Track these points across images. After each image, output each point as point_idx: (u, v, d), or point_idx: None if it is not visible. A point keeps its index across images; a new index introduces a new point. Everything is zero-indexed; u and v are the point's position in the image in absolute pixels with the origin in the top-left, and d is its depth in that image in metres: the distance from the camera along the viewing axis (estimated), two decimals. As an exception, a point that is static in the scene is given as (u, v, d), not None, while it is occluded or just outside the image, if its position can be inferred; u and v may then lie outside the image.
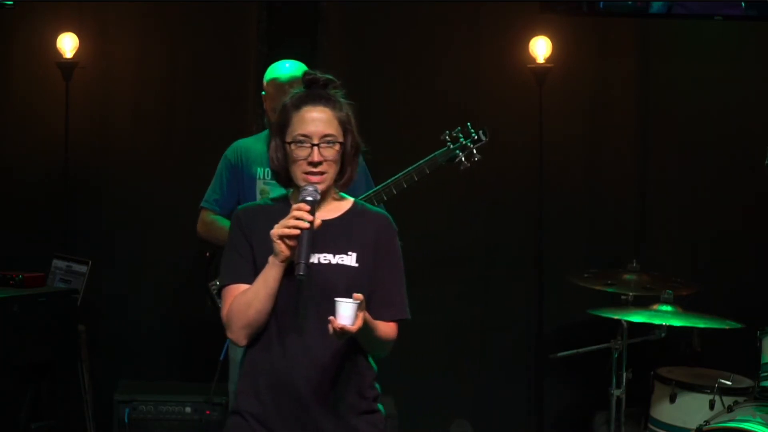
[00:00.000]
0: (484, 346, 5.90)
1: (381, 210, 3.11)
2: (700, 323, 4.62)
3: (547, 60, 5.75)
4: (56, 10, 5.81)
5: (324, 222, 2.89)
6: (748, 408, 4.34)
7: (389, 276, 2.98)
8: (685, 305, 4.72)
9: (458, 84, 5.85)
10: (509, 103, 5.84)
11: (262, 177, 4.51)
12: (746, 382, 4.62)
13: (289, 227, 2.81)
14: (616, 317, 4.62)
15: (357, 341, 2.89)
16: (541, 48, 5.75)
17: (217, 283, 4.50)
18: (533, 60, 5.77)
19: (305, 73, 3.02)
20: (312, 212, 2.82)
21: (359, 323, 2.76)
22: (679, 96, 5.88)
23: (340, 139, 2.94)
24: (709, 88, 5.82)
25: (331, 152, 2.92)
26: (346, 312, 2.75)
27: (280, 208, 2.95)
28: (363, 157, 4.47)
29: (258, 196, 4.51)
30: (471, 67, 5.88)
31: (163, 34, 5.92)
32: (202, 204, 4.63)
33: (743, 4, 5.53)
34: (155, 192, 5.84)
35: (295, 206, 2.84)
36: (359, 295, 2.76)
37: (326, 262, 2.92)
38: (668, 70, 5.88)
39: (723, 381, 4.58)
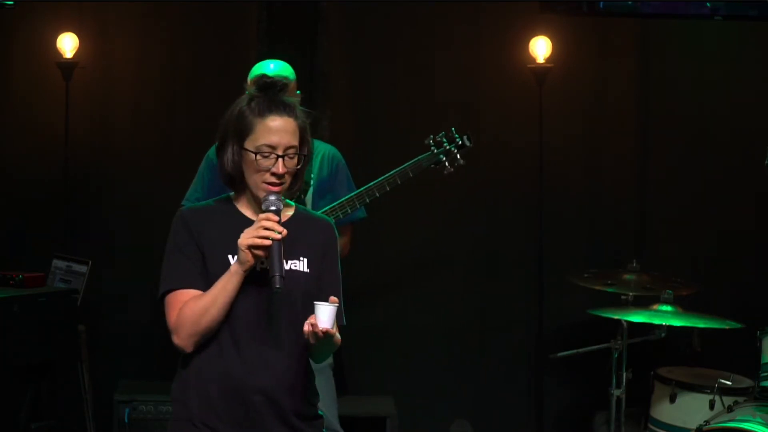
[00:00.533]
0: (484, 346, 5.90)
1: (324, 216, 3.11)
2: (700, 323, 4.62)
3: (547, 60, 5.75)
4: (56, 10, 5.81)
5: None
6: (748, 408, 4.34)
7: (335, 281, 2.95)
8: (685, 305, 4.72)
9: (458, 84, 5.85)
10: (509, 103, 5.84)
11: None
12: (746, 382, 4.61)
13: (260, 237, 2.78)
14: (616, 317, 4.62)
15: (308, 348, 2.88)
16: (541, 48, 5.75)
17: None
18: (533, 60, 5.77)
19: (262, 76, 2.98)
20: (279, 222, 2.81)
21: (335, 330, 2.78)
22: (679, 96, 5.89)
23: (301, 151, 2.91)
24: (709, 88, 5.82)
25: (292, 164, 2.89)
26: (326, 315, 2.75)
27: (225, 209, 2.95)
28: (344, 160, 4.51)
29: None
30: (471, 67, 5.88)
31: (163, 34, 5.92)
32: (183, 202, 4.63)
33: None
34: (155, 192, 5.83)
35: (263, 216, 2.81)
36: (335, 299, 2.77)
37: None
38: (668, 70, 5.88)
39: (723, 381, 4.58)
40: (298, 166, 2.90)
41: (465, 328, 5.91)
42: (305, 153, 2.91)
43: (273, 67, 4.45)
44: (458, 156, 4.42)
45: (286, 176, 2.88)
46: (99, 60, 5.86)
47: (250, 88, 4.24)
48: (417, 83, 5.89)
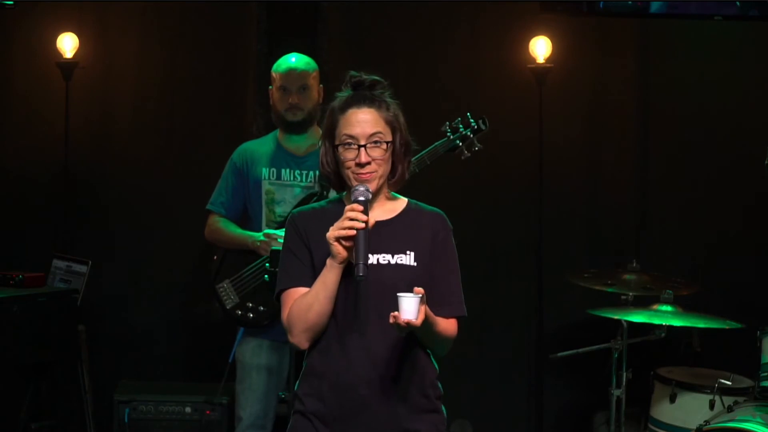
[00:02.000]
0: (484, 346, 5.90)
1: (436, 209, 3.11)
2: (700, 323, 4.62)
3: (547, 60, 5.75)
4: (56, 10, 5.81)
5: (381, 222, 2.94)
6: (748, 408, 4.34)
7: (446, 274, 2.99)
8: (685, 305, 4.72)
9: (458, 84, 5.85)
10: (509, 103, 5.84)
11: (267, 177, 4.53)
12: (746, 382, 4.62)
13: (344, 228, 2.83)
14: (616, 317, 4.62)
15: (417, 339, 2.93)
16: (541, 48, 5.76)
17: (225, 285, 4.52)
18: (533, 60, 5.77)
19: (351, 76, 3.06)
20: (365, 212, 2.85)
21: (422, 317, 2.79)
22: (679, 96, 5.88)
23: (388, 138, 2.97)
24: (709, 88, 5.82)
25: (378, 152, 2.94)
26: (409, 306, 2.78)
27: (335, 210, 2.97)
28: None
29: (263, 197, 4.52)
30: (471, 68, 5.88)
31: (163, 34, 5.92)
32: (209, 206, 4.66)
33: (738, 3, 5.53)
34: (155, 192, 5.84)
35: (348, 207, 2.86)
36: (420, 289, 2.78)
37: (385, 262, 2.95)
38: (668, 70, 5.88)
39: (723, 381, 4.58)
40: (387, 153, 2.95)
41: (465, 328, 5.89)
42: (397, 141, 2.97)
43: (294, 60, 4.54)
44: (475, 141, 4.42)
45: (374, 165, 2.93)
46: (99, 60, 5.85)
47: (272, 81, 4.28)
48: (417, 83, 5.88)
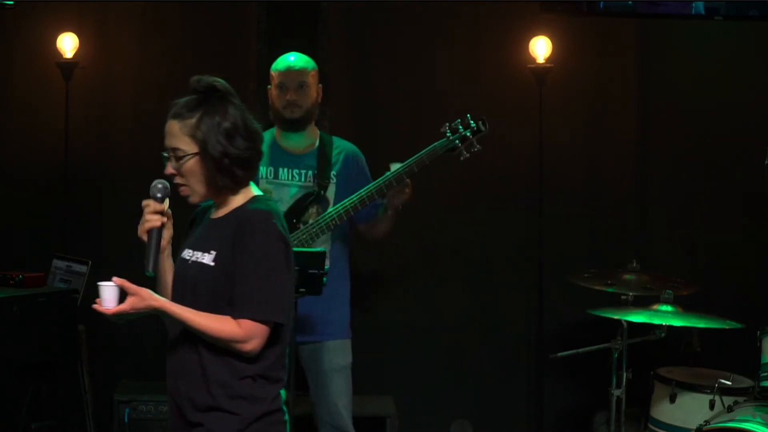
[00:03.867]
0: (484, 345, 5.90)
1: (259, 206, 3.02)
2: (700, 323, 4.62)
3: (547, 60, 5.75)
4: (56, 10, 5.81)
5: (212, 221, 3.03)
6: (748, 408, 4.34)
7: (244, 275, 2.92)
8: (685, 305, 4.72)
9: (458, 84, 5.85)
10: (509, 103, 5.84)
11: (264, 176, 4.53)
12: (746, 382, 4.61)
13: (143, 225, 3.03)
14: (616, 317, 4.62)
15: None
16: (541, 48, 5.76)
17: None
18: (533, 60, 5.77)
19: (191, 80, 3.11)
20: (161, 208, 3.02)
21: (124, 307, 2.88)
22: (679, 96, 5.89)
23: (189, 151, 2.97)
24: (709, 87, 5.82)
25: (181, 165, 2.99)
26: (106, 295, 2.89)
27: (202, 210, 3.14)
28: (365, 159, 4.56)
29: None
30: (471, 67, 5.88)
31: (163, 34, 5.92)
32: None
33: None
34: (155, 192, 5.83)
35: (143, 203, 3.04)
36: (119, 280, 2.91)
37: (192, 260, 3.03)
38: (668, 70, 5.88)
39: (723, 381, 4.58)
40: (194, 167, 2.98)
41: (465, 328, 5.91)
42: (209, 152, 2.96)
43: (293, 59, 4.56)
44: (474, 142, 4.42)
45: (180, 178, 3.01)
46: (99, 60, 5.85)
47: (271, 80, 4.33)
48: (417, 83, 5.89)
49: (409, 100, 5.88)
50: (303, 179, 4.50)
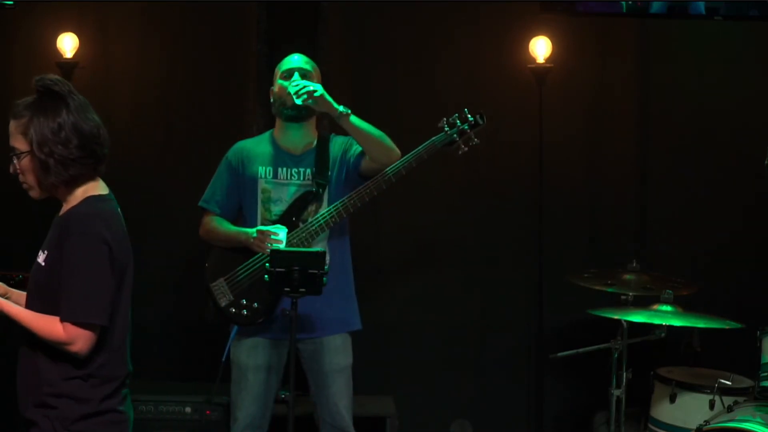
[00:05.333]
0: (484, 346, 5.90)
1: (84, 208, 3.11)
2: (700, 323, 4.62)
3: (547, 60, 5.76)
4: (56, 10, 5.81)
5: (54, 220, 3.12)
6: (748, 408, 4.34)
7: (65, 277, 2.99)
8: (685, 305, 4.72)
9: (458, 84, 5.85)
10: (509, 103, 5.84)
11: (263, 176, 4.53)
12: (746, 382, 4.62)
13: None
14: (616, 317, 4.62)
15: (37, 338, 3.00)
16: (541, 48, 5.76)
17: (219, 283, 4.52)
18: (533, 60, 5.77)
19: (34, 79, 3.13)
20: None
21: None
22: (679, 96, 5.89)
23: (24, 150, 3.05)
24: (709, 88, 5.82)
25: (19, 164, 3.07)
26: None
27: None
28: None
29: (259, 196, 4.52)
30: (471, 67, 5.88)
31: (163, 34, 5.92)
32: (203, 204, 4.64)
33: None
34: (155, 192, 5.84)
35: None
36: None
37: (37, 260, 3.10)
38: (668, 70, 5.88)
39: (723, 381, 4.58)
40: (29, 164, 3.06)
41: (465, 328, 5.91)
42: (35, 152, 3.03)
43: (297, 58, 4.57)
44: (472, 135, 4.42)
45: (21, 176, 3.09)
46: (99, 60, 5.85)
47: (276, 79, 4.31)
48: (417, 83, 5.89)
49: (409, 100, 5.88)
50: (302, 178, 4.50)
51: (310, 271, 4.09)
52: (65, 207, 3.11)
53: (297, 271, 4.08)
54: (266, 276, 4.16)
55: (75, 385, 3.03)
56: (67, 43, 5.75)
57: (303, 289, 4.10)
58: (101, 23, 5.88)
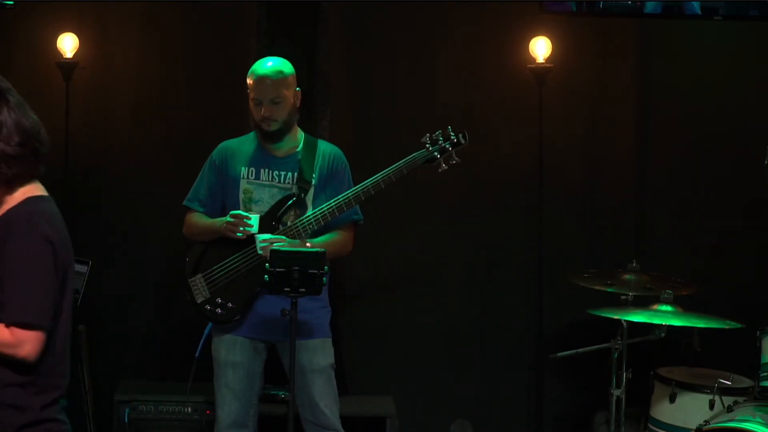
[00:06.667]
0: (484, 346, 5.90)
1: (25, 207, 3.04)
2: (700, 323, 4.62)
3: (547, 60, 5.75)
4: (56, 10, 5.80)
5: None
6: (748, 408, 4.34)
7: (7, 278, 2.86)
8: (685, 305, 4.72)
9: (458, 84, 5.86)
10: (509, 103, 5.84)
11: (245, 176, 4.53)
12: (746, 382, 4.62)
13: None
14: (616, 317, 4.62)
15: None
16: (541, 48, 5.75)
17: (197, 279, 4.52)
18: (533, 60, 5.77)
19: None
20: None
21: None
22: (679, 96, 5.89)
23: None
24: (709, 88, 5.82)
25: None
26: None
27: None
28: (347, 162, 4.55)
29: (241, 196, 4.52)
30: (471, 68, 5.88)
31: (163, 34, 5.92)
32: (186, 203, 4.66)
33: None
34: (155, 192, 5.83)
35: None
36: None
37: None
38: (668, 70, 5.88)
39: (723, 381, 4.58)
40: None
41: (465, 328, 5.91)
42: None
43: (270, 65, 4.51)
44: (453, 154, 4.44)
45: None
46: (99, 60, 5.85)
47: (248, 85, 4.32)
48: (417, 83, 5.89)
49: (409, 100, 5.88)
50: (283, 181, 4.50)
51: (310, 271, 4.09)
52: (3, 207, 2.97)
53: (297, 271, 4.08)
54: (266, 276, 4.16)
55: (12, 392, 2.85)
56: (67, 43, 5.75)
57: (303, 289, 4.10)
58: (101, 23, 5.87)
